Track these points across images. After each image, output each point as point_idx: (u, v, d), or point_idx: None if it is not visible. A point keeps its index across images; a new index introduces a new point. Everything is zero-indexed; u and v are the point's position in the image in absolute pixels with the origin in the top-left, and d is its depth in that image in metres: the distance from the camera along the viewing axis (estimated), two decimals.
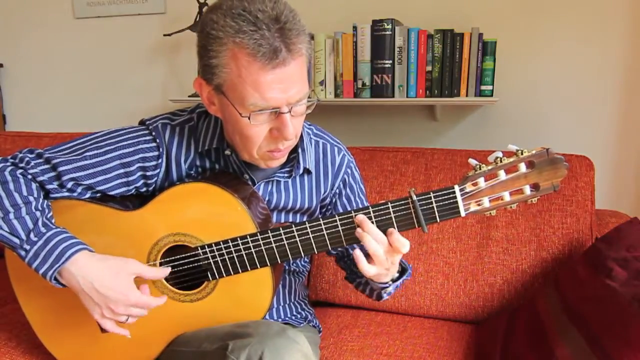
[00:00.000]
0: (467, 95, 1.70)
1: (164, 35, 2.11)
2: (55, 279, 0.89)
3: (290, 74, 0.85)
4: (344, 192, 1.13)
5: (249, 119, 0.87)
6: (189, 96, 2.05)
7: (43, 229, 0.90)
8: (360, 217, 0.88)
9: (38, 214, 0.91)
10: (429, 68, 1.71)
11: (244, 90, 0.85)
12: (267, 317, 1.10)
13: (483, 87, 1.69)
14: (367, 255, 0.90)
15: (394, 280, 1.00)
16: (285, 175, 1.06)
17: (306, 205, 1.10)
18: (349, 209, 1.12)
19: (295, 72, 0.86)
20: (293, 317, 1.17)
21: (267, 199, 1.06)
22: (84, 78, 2.39)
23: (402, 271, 1.02)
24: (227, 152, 1.01)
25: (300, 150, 1.03)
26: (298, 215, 1.12)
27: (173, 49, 2.21)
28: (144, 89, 2.30)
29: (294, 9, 0.86)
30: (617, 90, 1.75)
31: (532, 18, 1.78)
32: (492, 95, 1.70)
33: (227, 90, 0.88)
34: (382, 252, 0.88)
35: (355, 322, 1.38)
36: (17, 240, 0.89)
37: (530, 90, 1.83)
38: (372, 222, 0.88)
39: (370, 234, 0.87)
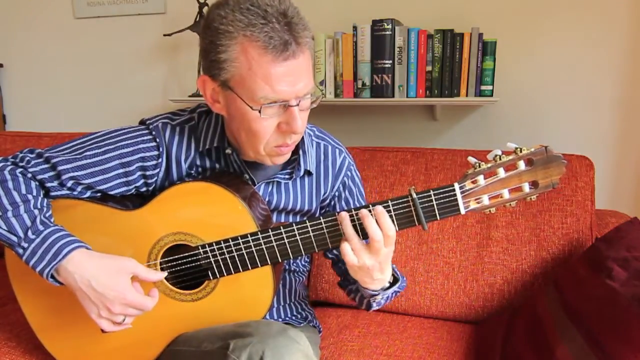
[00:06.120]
0: (467, 95, 1.70)
1: (164, 35, 2.11)
2: (53, 276, 0.89)
3: (299, 66, 0.87)
4: (343, 195, 1.13)
5: (259, 112, 0.88)
6: (189, 96, 2.06)
7: (41, 227, 0.89)
8: (364, 212, 0.88)
9: (36, 212, 0.91)
10: (429, 68, 1.71)
11: (254, 83, 0.86)
12: (268, 317, 1.10)
13: (483, 87, 1.70)
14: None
15: (384, 289, 0.99)
16: (286, 176, 1.05)
17: (306, 207, 1.10)
18: None
19: (303, 65, 0.88)
20: (293, 317, 1.17)
21: (267, 199, 1.05)
22: (84, 78, 2.39)
23: (394, 282, 1.01)
24: (228, 151, 1.01)
25: (301, 152, 1.03)
26: (298, 217, 1.11)
27: (173, 49, 2.21)
28: (144, 89, 2.31)
29: (297, 7, 0.89)
30: (617, 90, 1.75)
31: (532, 18, 1.78)
32: (492, 95, 1.70)
33: (235, 85, 0.88)
34: (381, 237, 0.87)
35: (355, 322, 1.38)
36: (15, 238, 0.89)
37: (530, 90, 1.83)
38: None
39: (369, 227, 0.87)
